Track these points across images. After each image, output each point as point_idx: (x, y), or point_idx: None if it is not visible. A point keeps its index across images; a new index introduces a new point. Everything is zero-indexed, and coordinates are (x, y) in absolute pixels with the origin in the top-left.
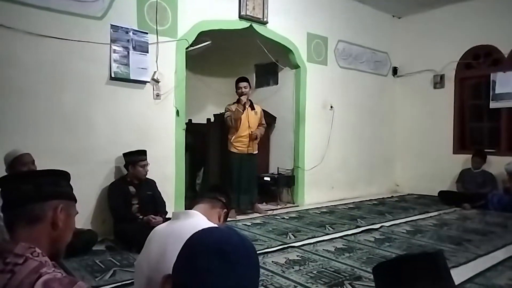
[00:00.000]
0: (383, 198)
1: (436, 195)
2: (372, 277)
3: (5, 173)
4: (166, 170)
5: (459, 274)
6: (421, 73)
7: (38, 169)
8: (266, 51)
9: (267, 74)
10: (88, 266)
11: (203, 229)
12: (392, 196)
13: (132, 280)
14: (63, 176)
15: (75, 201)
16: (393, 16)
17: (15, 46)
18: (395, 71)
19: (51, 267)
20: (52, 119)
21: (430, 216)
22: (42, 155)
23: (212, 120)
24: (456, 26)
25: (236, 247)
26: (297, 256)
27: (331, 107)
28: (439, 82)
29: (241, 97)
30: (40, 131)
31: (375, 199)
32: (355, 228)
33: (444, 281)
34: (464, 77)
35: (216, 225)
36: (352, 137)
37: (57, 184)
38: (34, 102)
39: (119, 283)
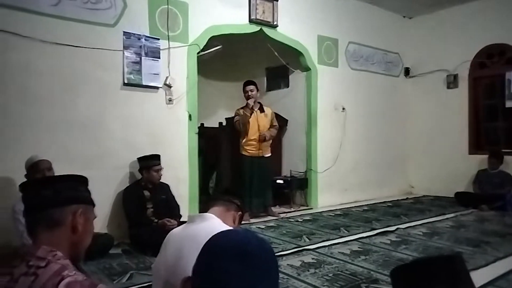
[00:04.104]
0: (397, 200)
1: (452, 196)
2: (389, 280)
3: (25, 179)
4: (180, 174)
5: (478, 277)
6: (433, 73)
7: (55, 174)
8: (276, 54)
9: (278, 77)
10: (106, 269)
11: (222, 232)
12: (407, 198)
13: (149, 283)
14: (82, 181)
15: (94, 205)
16: (404, 16)
17: (32, 54)
18: (407, 71)
19: (72, 270)
20: (68, 125)
21: (447, 218)
22: (58, 161)
23: (224, 124)
24: (469, 25)
25: (255, 250)
26: (312, 259)
27: (343, 109)
28: (452, 82)
29: (248, 101)
30: (56, 137)
31: (389, 201)
32: (370, 230)
33: (463, 284)
34: (478, 76)
35: (232, 228)
36: (365, 139)
37: (76, 189)
38: (50, 108)
39: (136, 286)
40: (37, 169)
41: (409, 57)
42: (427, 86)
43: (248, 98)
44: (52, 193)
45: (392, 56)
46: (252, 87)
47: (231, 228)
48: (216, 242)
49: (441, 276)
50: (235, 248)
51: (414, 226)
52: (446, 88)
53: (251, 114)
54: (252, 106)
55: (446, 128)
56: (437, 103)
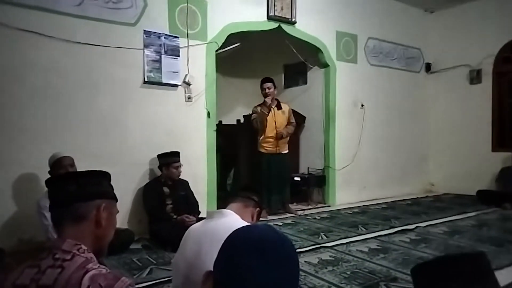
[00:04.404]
0: (417, 198)
1: (474, 194)
2: (409, 278)
3: (48, 175)
4: (198, 171)
5: (503, 277)
6: (456, 68)
7: (78, 170)
8: (294, 51)
9: (296, 74)
10: (126, 264)
11: (243, 227)
12: (427, 196)
13: (168, 278)
14: (105, 177)
15: (116, 200)
16: (425, 10)
17: (56, 54)
18: (428, 67)
19: (96, 263)
20: (90, 123)
21: (468, 217)
22: (80, 158)
23: (242, 121)
24: (493, 18)
25: (275, 245)
26: (330, 256)
27: (362, 105)
28: (475, 77)
29: (266, 99)
30: (78, 135)
31: (408, 199)
32: (389, 228)
33: (488, 282)
34: (502, 71)
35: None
36: (384, 136)
37: (99, 184)
38: (73, 106)
39: (156, 281)
40: (60, 166)
41: (431, 52)
42: (449, 82)
43: (265, 95)
44: (77, 188)
45: (413, 52)
46: (269, 84)
47: (251, 223)
48: (237, 237)
49: (465, 275)
50: (256, 244)
51: (434, 224)
52: (468, 83)
53: (268, 112)
54: (270, 103)
55: (469, 125)
56: (459, 99)
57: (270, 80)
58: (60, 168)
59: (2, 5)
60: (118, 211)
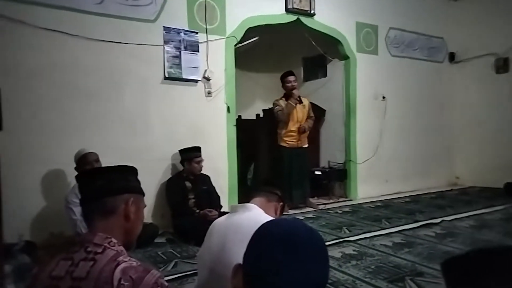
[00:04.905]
0: (442, 191)
1: (501, 187)
2: (435, 273)
3: (74, 171)
4: (219, 165)
5: None
6: (481, 57)
7: (103, 166)
8: (313, 43)
9: (315, 67)
10: (152, 257)
11: (272, 220)
12: (452, 189)
13: (193, 271)
14: (132, 171)
15: (143, 194)
16: None
17: (79, 51)
18: (452, 57)
19: (126, 256)
20: (112, 119)
21: (496, 210)
22: (104, 153)
23: (261, 115)
24: None
25: (305, 238)
26: (353, 250)
27: (383, 97)
28: (502, 66)
29: (294, 91)
30: (101, 131)
31: (433, 192)
32: (413, 222)
33: None
34: None
35: (273, 218)
36: (407, 128)
37: (127, 179)
38: (96, 103)
39: (181, 274)
40: (86, 161)
41: (454, 41)
42: (474, 72)
43: (291, 88)
44: (106, 183)
45: (436, 41)
46: (294, 77)
47: (275, 217)
48: (267, 230)
49: (499, 269)
50: (286, 237)
51: (460, 218)
52: (495, 73)
53: (296, 105)
54: (298, 96)
55: (495, 116)
56: (485, 89)
57: (293, 73)
58: (86, 164)
59: (28, 5)
60: (145, 205)
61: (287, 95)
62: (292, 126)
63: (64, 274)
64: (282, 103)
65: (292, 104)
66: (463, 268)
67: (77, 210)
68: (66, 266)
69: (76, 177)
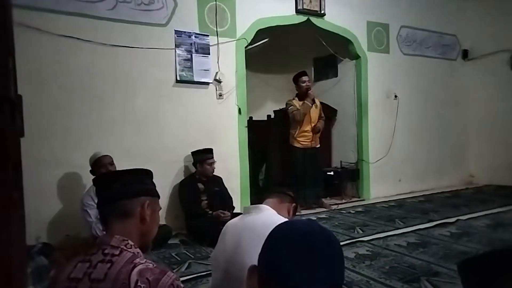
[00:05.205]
0: (456, 190)
1: None
2: (451, 273)
3: (90, 174)
4: (231, 167)
5: None
6: (495, 54)
7: (117, 169)
8: (324, 43)
9: (326, 67)
10: (166, 258)
11: (286, 221)
12: (466, 188)
13: (207, 272)
14: (148, 174)
15: (159, 197)
16: None
17: (92, 57)
18: (465, 54)
19: (143, 258)
20: (126, 122)
21: None
22: (119, 156)
23: (272, 116)
24: None
25: (320, 239)
26: (367, 250)
27: (395, 96)
28: None
29: (310, 92)
30: (115, 134)
31: (447, 191)
32: (428, 222)
33: None
34: None
35: (286, 219)
36: (420, 127)
37: (143, 182)
38: (110, 107)
39: (195, 275)
40: (100, 164)
41: (467, 38)
42: (488, 68)
43: (307, 88)
44: (123, 186)
45: (449, 39)
46: (308, 77)
47: (288, 218)
48: (282, 231)
49: None
50: (301, 238)
51: (476, 217)
52: (509, 69)
53: (312, 105)
54: (314, 96)
55: (510, 113)
56: (500, 86)
57: (307, 73)
58: (101, 167)
59: (43, 13)
60: (161, 208)
61: (300, 96)
62: (306, 126)
63: (82, 276)
64: (296, 103)
65: (309, 104)
66: (480, 268)
67: (92, 212)
68: (84, 268)
69: (93, 180)
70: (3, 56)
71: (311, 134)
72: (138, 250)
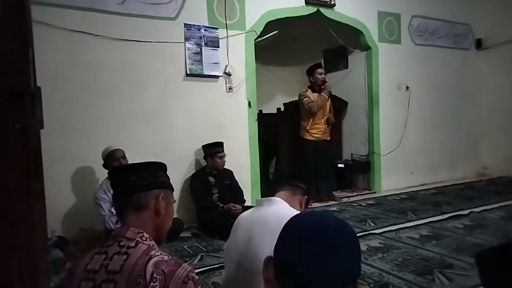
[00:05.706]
0: (469, 182)
1: None
2: (465, 265)
3: (102, 168)
4: (242, 160)
5: None
6: (510, 43)
7: (129, 163)
8: (334, 34)
9: (336, 59)
10: (178, 251)
11: (301, 213)
12: (480, 180)
13: (219, 265)
14: (162, 168)
15: (173, 190)
16: None
17: (103, 51)
18: (478, 43)
19: (158, 250)
20: (138, 117)
21: None
22: (129, 150)
23: (282, 109)
24: None
25: (336, 230)
26: (379, 243)
27: (407, 87)
28: None
29: (327, 84)
30: (126, 128)
31: (460, 184)
32: (441, 214)
33: None
34: None
35: (299, 211)
36: (432, 118)
37: (157, 175)
38: (120, 101)
39: (208, 267)
40: (113, 158)
41: (481, 27)
42: (502, 58)
43: (323, 81)
44: (137, 179)
45: (462, 28)
46: (323, 69)
47: (300, 211)
48: (298, 223)
49: None
50: (317, 229)
51: (490, 209)
52: None
53: (329, 97)
54: (330, 87)
55: None
56: None
57: (322, 65)
58: (113, 161)
59: (53, 8)
60: (174, 201)
61: (313, 87)
62: (319, 119)
63: (99, 268)
64: (310, 95)
65: (326, 96)
66: (498, 259)
67: (105, 206)
68: (100, 260)
69: (109, 173)
70: (23, 48)
71: (323, 126)
72: (153, 242)
